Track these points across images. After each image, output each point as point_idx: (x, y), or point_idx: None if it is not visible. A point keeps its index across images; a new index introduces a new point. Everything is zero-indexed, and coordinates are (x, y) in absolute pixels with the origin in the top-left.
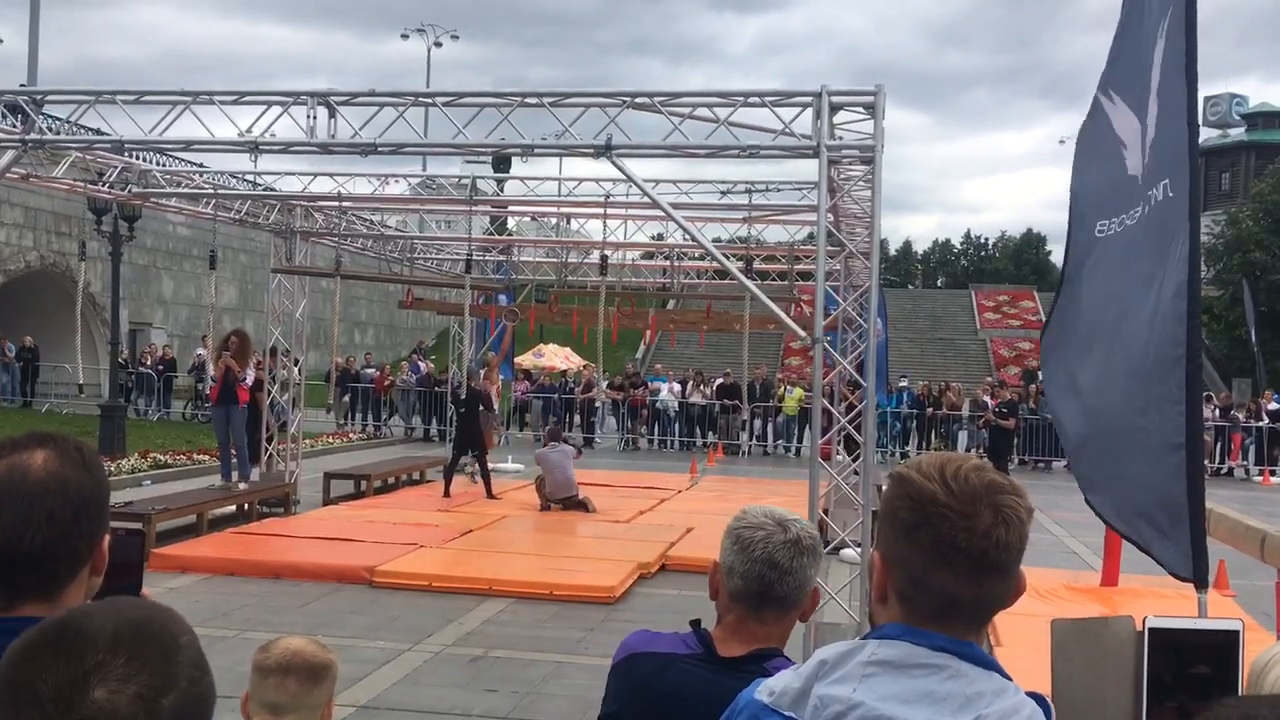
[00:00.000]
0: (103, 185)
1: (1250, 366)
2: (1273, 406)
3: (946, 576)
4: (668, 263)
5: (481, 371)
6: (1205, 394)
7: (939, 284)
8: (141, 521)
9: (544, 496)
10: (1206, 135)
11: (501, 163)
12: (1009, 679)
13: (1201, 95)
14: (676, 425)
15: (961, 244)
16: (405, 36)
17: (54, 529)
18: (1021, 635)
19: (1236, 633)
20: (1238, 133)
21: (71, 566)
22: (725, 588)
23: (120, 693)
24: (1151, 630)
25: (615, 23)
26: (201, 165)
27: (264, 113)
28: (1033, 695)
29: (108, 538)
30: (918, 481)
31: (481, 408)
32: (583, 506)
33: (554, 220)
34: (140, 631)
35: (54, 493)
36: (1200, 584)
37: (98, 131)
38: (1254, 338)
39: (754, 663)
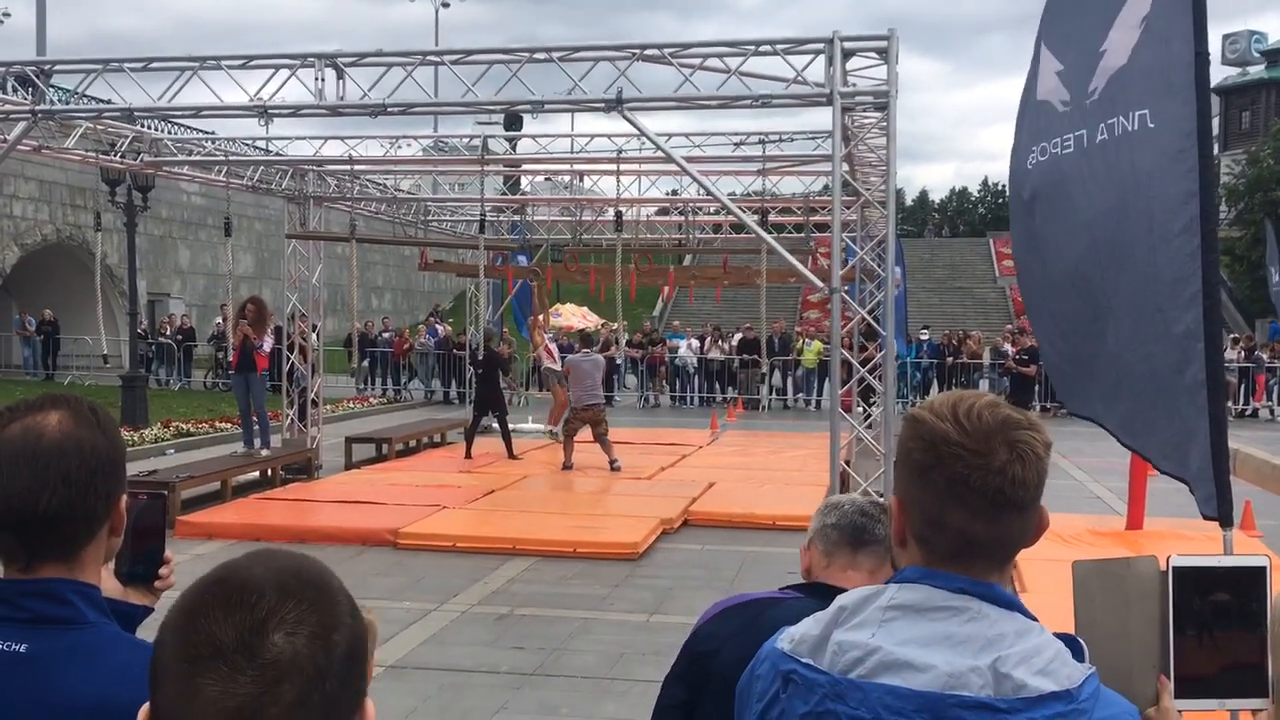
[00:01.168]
0: (115, 156)
1: (1273, 307)
2: None
3: (963, 516)
4: (683, 218)
5: (505, 333)
6: (1232, 335)
7: (947, 233)
8: (166, 489)
9: (566, 431)
10: (1226, 73)
11: (513, 122)
12: (1033, 619)
13: (1220, 32)
14: (696, 381)
15: (979, 192)
16: None
17: (70, 490)
18: (1047, 580)
19: (1263, 569)
20: (1258, 70)
21: (89, 527)
22: (817, 548)
23: (297, 634)
24: (1176, 569)
25: None
26: (213, 133)
27: (272, 76)
28: (1063, 636)
29: (125, 498)
30: (930, 422)
31: (547, 365)
32: (601, 423)
33: (567, 179)
34: (300, 577)
35: (69, 453)
36: (1225, 522)
37: (107, 102)
38: (1276, 278)
39: None
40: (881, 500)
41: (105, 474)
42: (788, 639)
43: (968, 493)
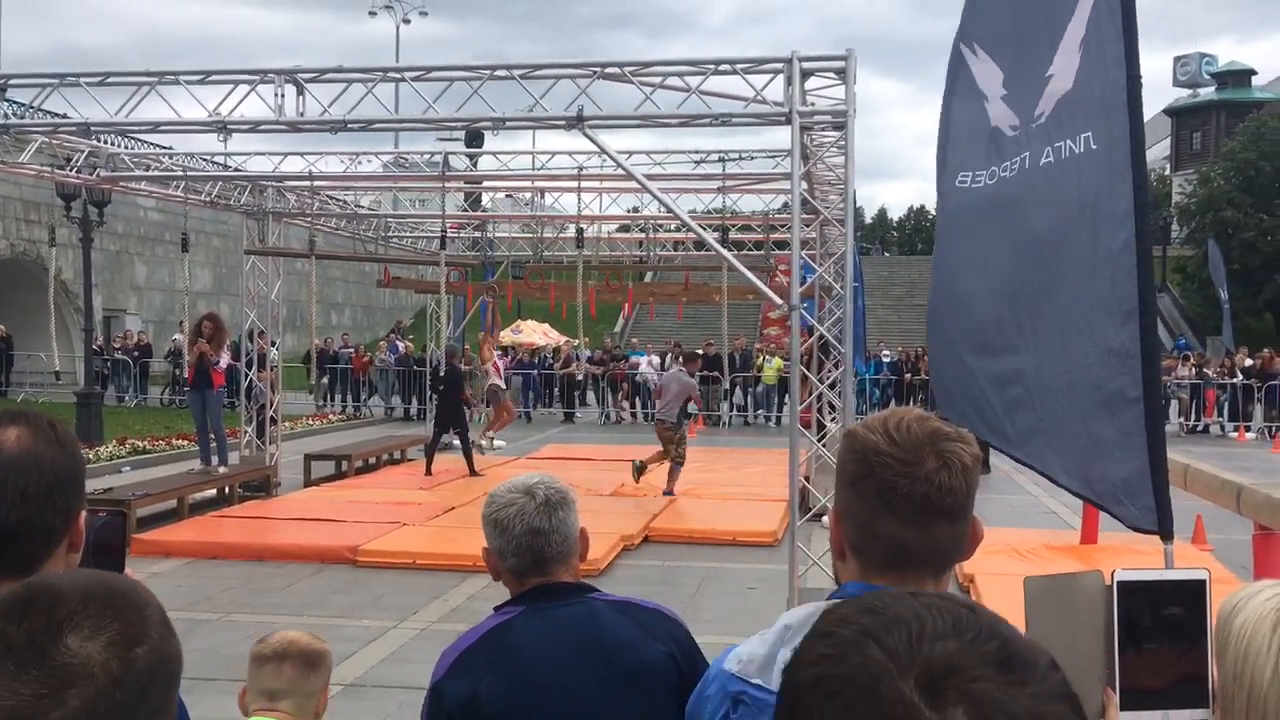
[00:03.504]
0: (70, 171)
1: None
2: (1248, 363)
3: (892, 523)
4: (644, 235)
5: (466, 348)
6: (1184, 354)
7: (895, 251)
8: (122, 507)
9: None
10: (1177, 95)
11: (475, 138)
12: None
13: (1171, 55)
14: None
15: (937, 210)
16: (373, 14)
17: (28, 506)
18: (1003, 595)
19: (1203, 581)
20: (1208, 92)
21: (48, 542)
22: (504, 570)
23: (94, 639)
24: (1120, 583)
25: None
26: (170, 148)
27: (231, 91)
28: None
29: (84, 514)
30: (862, 434)
31: (493, 381)
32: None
33: (529, 196)
34: (109, 589)
35: (27, 469)
36: (1166, 535)
37: (64, 116)
38: (1223, 296)
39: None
40: (542, 479)
41: (64, 490)
42: (735, 660)
43: (896, 500)
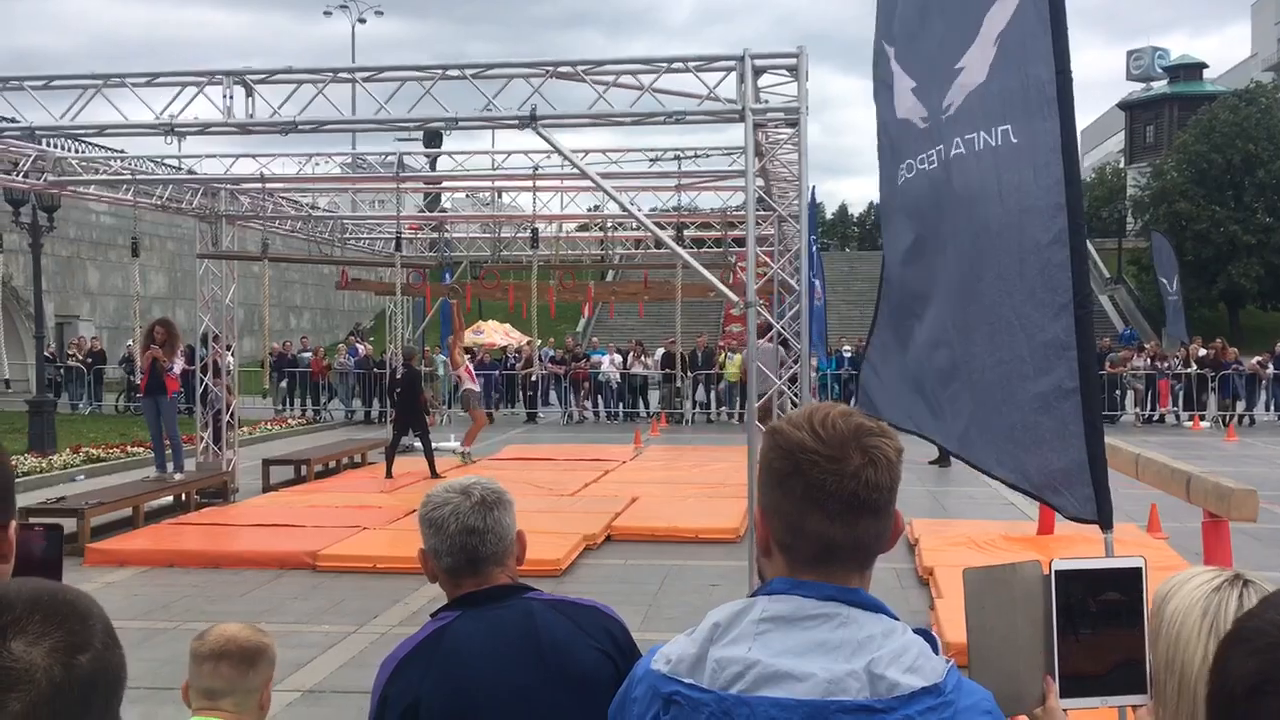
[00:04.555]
0: (17, 175)
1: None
2: (1201, 354)
3: (820, 520)
4: (603, 234)
5: (427, 351)
6: (1139, 344)
7: (855, 248)
8: (76, 516)
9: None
10: (1130, 89)
11: (433, 139)
12: (896, 619)
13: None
14: (619, 396)
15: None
16: (328, 13)
17: None
18: (961, 587)
19: (1139, 570)
20: (1161, 85)
21: None
22: (439, 570)
23: (38, 645)
24: (1058, 572)
25: None
26: (121, 152)
27: (179, 94)
28: (919, 631)
29: (14, 524)
30: (787, 431)
31: (467, 386)
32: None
33: (488, 196)
34: (55, 597)
35: None
36: (1105, 525)
37: (11, 121)
38: (1169, 287)
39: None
40: (479, 480)
41: None
42: (663, 659)
43: (824, 497)
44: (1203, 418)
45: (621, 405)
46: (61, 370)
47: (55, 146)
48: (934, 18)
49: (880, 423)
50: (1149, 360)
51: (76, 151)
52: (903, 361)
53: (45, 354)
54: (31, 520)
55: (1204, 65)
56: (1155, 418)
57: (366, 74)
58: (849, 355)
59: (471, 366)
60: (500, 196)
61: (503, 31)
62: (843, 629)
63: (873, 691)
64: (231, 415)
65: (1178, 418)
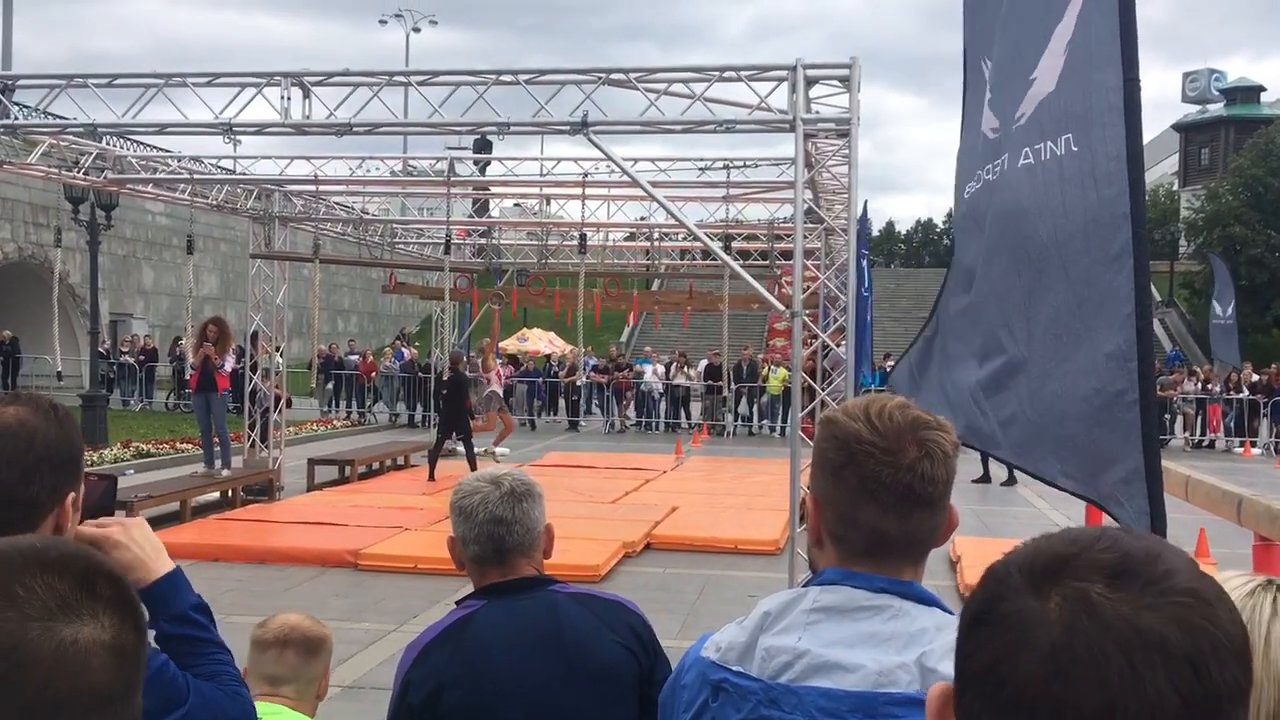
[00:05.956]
0: (77, 173)
1: (1217, 339)
2: (1255, 379)
3: (874, 512)
4: (649, 243)
5: (472, 355)
6: (1190, 368)
7: (898, 265)
8: (125, 509)
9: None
10: (1186, 111)
11: (483, 146)
12: (951, 613)
13: (1181, 71)
14: (661, 407)
15: (944, 223)
16: (383, 22)
17: (13, 471)
18: None
19: None
20: (1217, 108)
21: (28, 513)
22: (466, 559)
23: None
24: None
25: (612, 8)
26: (179, 153)
27: (238, 94)
28: None
29: (74, 495)
30: (843, 422)
31: (492, 391)
32: None
33: (535, 204)
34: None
35: (19, 438)
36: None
37: (71, 118)
38: (1222, 311)
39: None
40: (510, 472)
41: (53, 465)
42: (713, 647)
43: (879, 489)
44: (1254, 444)
45: (663, 415)
46: (114, 367)
47: (112, 145)
48: (1013, 27)
49: (938, 417)
50: (1200, 384)
51: (133, 151)
52: (946, 374)
53: (99, 350)
54: (88, 472)
55: (1261, 88)
56: (1206, 443)
57: (421, 78)
58: (893, 367)
59: (502, 372)
60: (548, 204)
61: (560, 44)
62: (894, 621)
63: (923, 685)
64: (279, 414)
65: (1228, 444)
